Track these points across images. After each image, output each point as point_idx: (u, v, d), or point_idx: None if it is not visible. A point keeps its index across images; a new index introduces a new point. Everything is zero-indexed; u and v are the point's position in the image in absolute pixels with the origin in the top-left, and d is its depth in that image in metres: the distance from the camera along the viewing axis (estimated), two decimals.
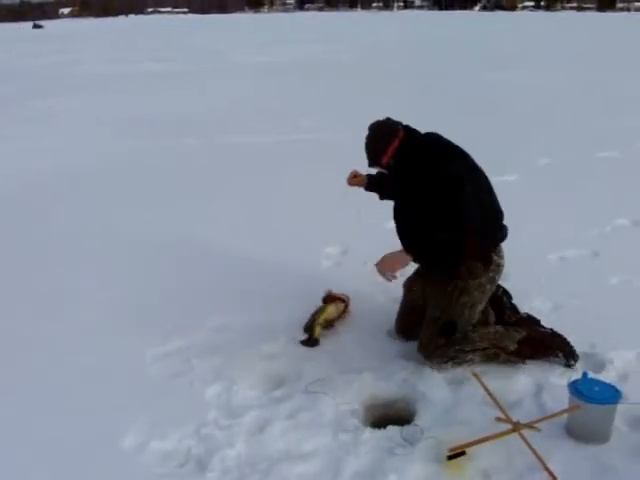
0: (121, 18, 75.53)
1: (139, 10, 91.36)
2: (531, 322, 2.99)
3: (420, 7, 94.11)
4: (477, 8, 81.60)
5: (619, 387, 2.36)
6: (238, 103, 10.73)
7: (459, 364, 2.77)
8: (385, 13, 76.91)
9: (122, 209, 5.24)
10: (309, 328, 3.09)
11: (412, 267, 2.83)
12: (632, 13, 60.92)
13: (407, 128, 2.81)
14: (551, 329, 2.91)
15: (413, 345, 2.88)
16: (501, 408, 2.40)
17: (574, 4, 79.29)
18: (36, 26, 52.17)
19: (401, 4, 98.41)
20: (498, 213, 2.82)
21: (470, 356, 2.77)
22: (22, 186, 6.02)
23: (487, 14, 62.60)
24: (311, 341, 3.03)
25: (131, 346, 3.06)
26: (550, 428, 2.32)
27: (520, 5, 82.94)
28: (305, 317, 3.16)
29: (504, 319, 2.98)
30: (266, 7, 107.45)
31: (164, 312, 3.40)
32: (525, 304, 3.15)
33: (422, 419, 2.47)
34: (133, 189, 5.83)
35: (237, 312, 3.35)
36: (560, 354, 2.78)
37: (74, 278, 3.92)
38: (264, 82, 13.34)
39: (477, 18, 49.96)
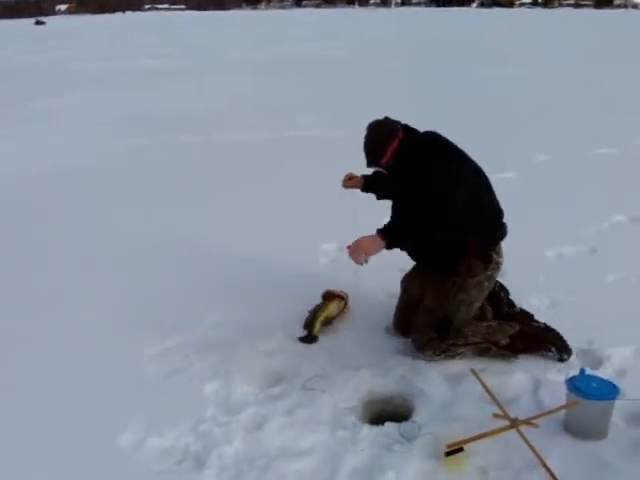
0: (118, 14, 75.49)
1: (136, 7, 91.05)
2: (524, 316, 2.99)
3: (418, 4, 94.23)
4: (475, 5, 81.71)
5: (617, 383, 2.37)
6: (235, 100, 10.72)
7: (451, 357, 2.78)
8: (383, 10, 76.86)
9: (122, 209, 5.23)
10: (309, 325, 3.09)
11: (391, 254, 2.71)
12: (629, 10, 60.97)
13: (406, 127, 2.79)
14: (544, 323, 2.91)
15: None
16: (499, 404, 2.40)
17: (571, 1, 79.32)
18: (39, 22, 53.08)
19: (399, 1, 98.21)
20: (498, 212, 2.81)
21: (462, 349, 2.78)
22: (22, 186, 6.00)
23: (485, 11, 62.69)
24: (310, 338, 3.04)
25: (130, 345, 3.05)
26: (548, 424, 2.32)
27: (518, 2, 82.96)
28: (303, 314, 3.16)
29: (501, 314, 2.98)
30: (263, 4, 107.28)
31: (163, 311, 3.40)
32: (523, 301, 3.15)
33: (420, 415, 2.47)
34: (133, 189, 5.82)
35: (235, 309, 3.35)
36: (553, 348, 2.78)
37: (74, 278, 3.91)
38: (261, 79, 13.32)
39: (475, 15, 50.02)
